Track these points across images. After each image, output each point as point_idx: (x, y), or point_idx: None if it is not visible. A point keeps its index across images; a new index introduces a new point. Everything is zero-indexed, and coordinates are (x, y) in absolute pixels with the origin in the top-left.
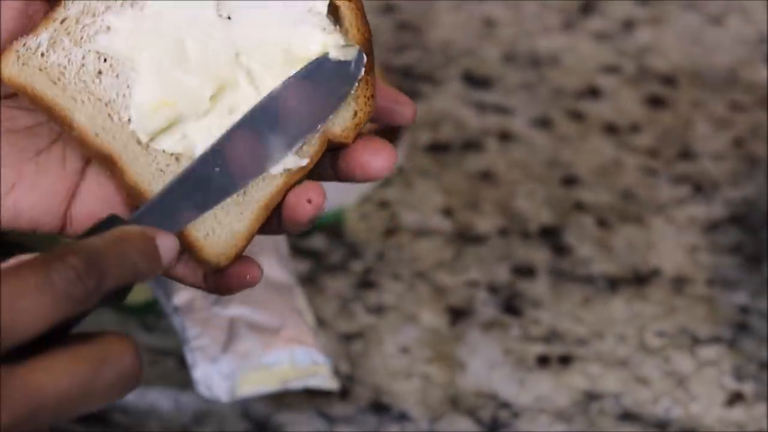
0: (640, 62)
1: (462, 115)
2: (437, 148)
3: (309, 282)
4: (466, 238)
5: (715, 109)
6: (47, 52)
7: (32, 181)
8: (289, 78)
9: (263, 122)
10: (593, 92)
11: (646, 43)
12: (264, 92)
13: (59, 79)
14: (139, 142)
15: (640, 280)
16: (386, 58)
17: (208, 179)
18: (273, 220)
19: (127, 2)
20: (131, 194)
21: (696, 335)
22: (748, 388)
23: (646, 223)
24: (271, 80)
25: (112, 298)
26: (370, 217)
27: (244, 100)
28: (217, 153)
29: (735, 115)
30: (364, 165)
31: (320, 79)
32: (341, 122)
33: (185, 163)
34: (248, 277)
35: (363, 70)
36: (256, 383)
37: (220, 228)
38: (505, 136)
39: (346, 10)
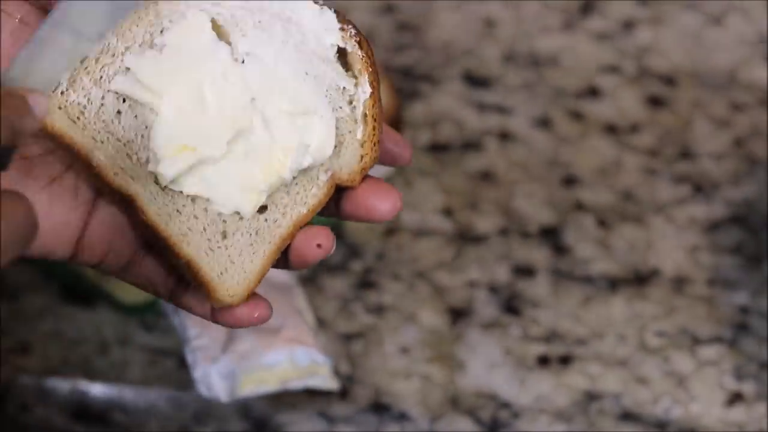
0: (640, 62)
1: (462, 115)
2: (437, 148)
3: (309, 282)
4: (466, 238)
5: (715, 109)
6: (67, 91)
7: (45, 210)
8: None
9: None
10: (593, 92)
11: (646, 43)
12: (278, 137)
13: (79, 118)
14: (157, 183)
15: (640, 280)
16: (386, 58)
17: (68, 31)
18: (280, 258)
19: (146, 44)
20: (147, 232)
21: (696, 335)
22: (748, 388)
23: (646, 223)
24: (285, 125)
25: None
26: None
27: (260, 144)
28: (67, 13)
29: (735, 115)
30: (370, 208)
31: None
32: (348, 166)
33: (201, 204)
34: (257, 315)
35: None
36: (256, 383)
37: (233, 268)
38: (505, 136)
39: (356, 57)
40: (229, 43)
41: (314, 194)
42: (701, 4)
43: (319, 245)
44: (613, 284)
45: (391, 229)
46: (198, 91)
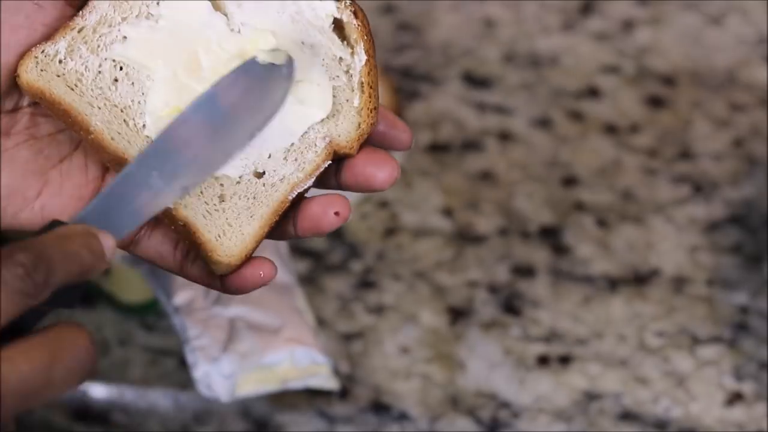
0: (640, 62)
1: (462, 115)
2: (437, 148)
3: (309, 282)
4: (466, 238)
5: (715, 109)
6: (65, 59)
7: (57, 187)
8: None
9: (202, 127)
10: (593, 92)
11: (646, 43)
12: None
13: (76, 86)
14: None
15: (640, 280)
16: (386, 58)
17: (147, 183)
18: (288, 226)
19: (142, 15)
20: None
21: (696, 335)
22: (747, 388)
23: (646, 223)
24: None
25: (67, 301)
26: (370, 217)
27: None
28: (155, 156)
29: (735, 115)
30: (368, 177)
31: (254, 81)
32: (346, 134)
33: None
34: (261, 274)
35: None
36: (256, 383)
37: (230, 230)
38: (505, 136)
39: (352, 27)
40: (225, 15)
41: (311, 160)
42: (701, 4)
43: (337, 213)
44: (613, 284)
45: (391, 229)
46: (193, 58)
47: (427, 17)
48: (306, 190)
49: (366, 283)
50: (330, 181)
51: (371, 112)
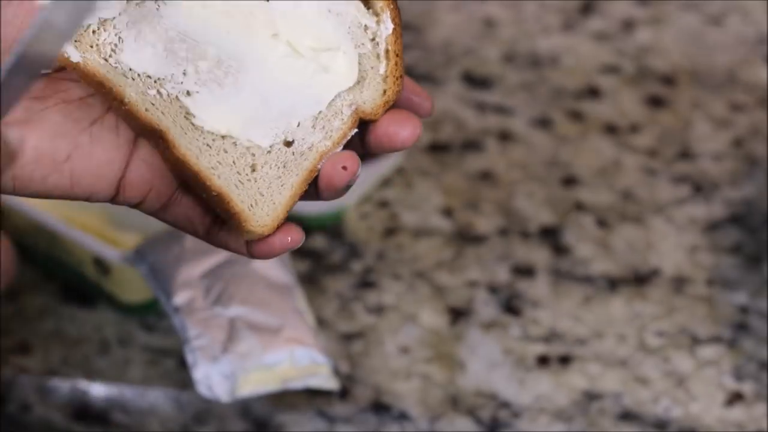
0: (640, 62)
1: (462, 115)
2: (437, 148)
3: (309, 282)
4: (466, 238)
5: (715, 109)
6: (98, 29)
7: (87, 150)
8: None
9: None
10: (593, 92)
11: (646, 43)
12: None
13: (111, 56)
14: (187, 117)
15: (639, 280)
16: None
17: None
18: (310, 189)
19: None
20: (178, 167)
21: (696, 335)
22: (747, 388)
23: (646, 223)
24: (308, 60)
25: None
26: (370, 217)
27: None
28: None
29: (735, 115)
30: (391, 136)
31: None
32: (371, 101)
33: (230, 138)
34: (290, 239)
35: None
36: (256, 383)
37: (262, 200)
38: (505, 136)
39: None
40: None
41: (338, 128)
42: (701, 4)
43: (344, 167)
44: (613, 284)
45: (391, 229)
46: (224, 25)
47: (428, 17)
48: None
49: (366, 283)
50: (355, 147)
51: (397, 79)
